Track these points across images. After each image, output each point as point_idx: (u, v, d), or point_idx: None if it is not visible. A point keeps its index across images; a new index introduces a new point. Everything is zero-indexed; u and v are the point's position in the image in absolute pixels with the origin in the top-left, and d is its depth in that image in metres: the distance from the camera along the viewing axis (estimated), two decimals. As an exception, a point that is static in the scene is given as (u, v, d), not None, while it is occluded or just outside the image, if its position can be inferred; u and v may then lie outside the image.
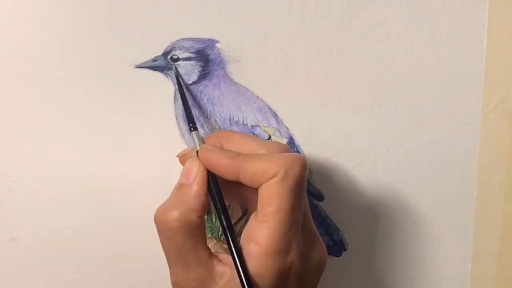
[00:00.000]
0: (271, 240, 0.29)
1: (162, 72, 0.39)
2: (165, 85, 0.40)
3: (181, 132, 0.40)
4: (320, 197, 0.41)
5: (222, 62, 0.39)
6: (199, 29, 0.39)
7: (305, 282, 0.32)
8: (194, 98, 0.40)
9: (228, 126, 0.40)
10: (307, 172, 0.31)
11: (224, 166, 0.31)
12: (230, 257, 0.31)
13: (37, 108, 0.40)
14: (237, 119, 0.40)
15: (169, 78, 0.40)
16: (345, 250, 0.42)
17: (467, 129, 0.41)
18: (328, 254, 0.42)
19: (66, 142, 0.40)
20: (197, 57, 0.39)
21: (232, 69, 0.40)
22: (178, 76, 0.38)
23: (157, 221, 0.32)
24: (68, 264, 0.41)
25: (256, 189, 0.30)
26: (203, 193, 0.32)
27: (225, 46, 0.39)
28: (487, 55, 0.40)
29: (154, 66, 0.39)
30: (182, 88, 0.38)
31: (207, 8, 0.39)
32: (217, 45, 0.39)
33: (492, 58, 0.40)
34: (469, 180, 0.42)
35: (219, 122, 0.40)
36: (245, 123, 0.40)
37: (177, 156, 0.36)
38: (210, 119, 0.40)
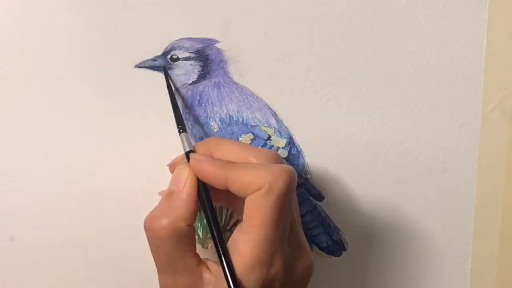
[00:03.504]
0: (254, 253, 0.29)
1: (162, 72, 0.39)
2: (165, 85, 0.40)
3: (181, 132, 0.40)
4: (320, 197, 0.41)
5: (222, 62, 0.39)
6: (199, 29, 0.39)
7: None
8: (194, 98, 0.40)
9: (228, 126, 0.40)
10: (295, 184, 0.30)
11: (213, 175, 0.31)
12: (217, 265, 0.30)
13: (36, 108, 0.40)
14: (236, 119, 0.40)
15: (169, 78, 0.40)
16: (345, 250, 0.42)
17: (467, 129, 0.41)
18: (328, 254, 0.42)
19: (66, 142, 0.40)
20: (197, 57, 0.39)
21: (232, 69, 0.40)
22: (167, 78, 0.38)
23: (146, 228, 0.32)
24: (68, 264, 0.41)
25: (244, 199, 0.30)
26: (192, 201, 0.31)
27: (225, 46, 0.39)
28: (487, 55, 0.40)
29: (154, 66, 0.39)
30: (172, 89, 0.38)
31: (207, 8, 0.39)
32: (217, 45, 0.39)
33: (492, 58, 0.40)
34: (469, 180, 0.42)
35: (219, 122, 0.40)
36: (244, 123, 0.40)
37: (167, 165, 0.35)
38: (210, 119, 0.40)
